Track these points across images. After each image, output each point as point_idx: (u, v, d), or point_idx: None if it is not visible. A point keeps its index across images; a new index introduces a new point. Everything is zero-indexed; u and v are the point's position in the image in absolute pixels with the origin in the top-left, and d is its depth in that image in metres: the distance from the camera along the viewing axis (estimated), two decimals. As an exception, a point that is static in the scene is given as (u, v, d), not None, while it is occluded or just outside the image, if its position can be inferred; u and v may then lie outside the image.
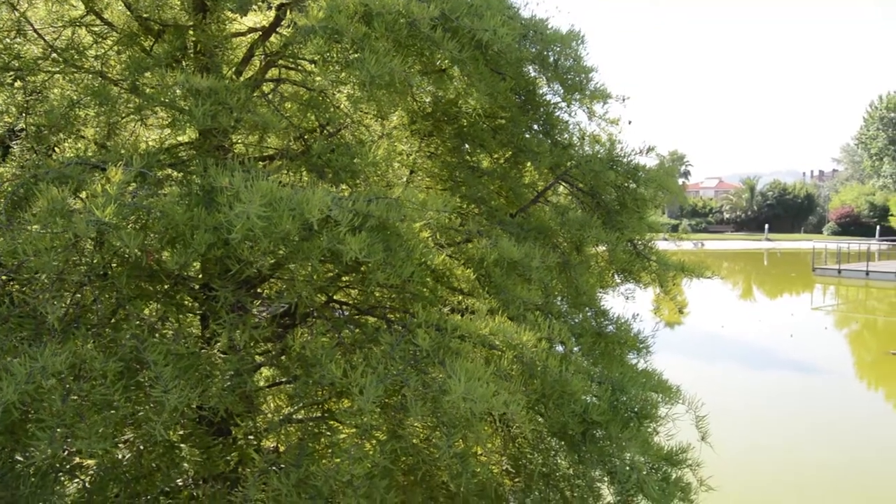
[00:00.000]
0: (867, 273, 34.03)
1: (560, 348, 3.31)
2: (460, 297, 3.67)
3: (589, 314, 3.81)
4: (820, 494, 8.24)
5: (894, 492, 8.28)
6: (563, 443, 3.51)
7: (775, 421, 11.31)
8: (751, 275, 41.27)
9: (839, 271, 35.13)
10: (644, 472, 3.20)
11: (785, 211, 78.13)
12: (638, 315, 3.89)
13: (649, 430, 3.27)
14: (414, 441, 3.59)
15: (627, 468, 3.17)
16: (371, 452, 2.70)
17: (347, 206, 2.54)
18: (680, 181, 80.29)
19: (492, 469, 3.79)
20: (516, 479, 3.85)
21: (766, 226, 70.89)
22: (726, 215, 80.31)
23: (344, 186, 3.30)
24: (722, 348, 17.78)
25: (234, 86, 3.07)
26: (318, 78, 3.23)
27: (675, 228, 70.70)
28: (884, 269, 34.09)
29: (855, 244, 41.63)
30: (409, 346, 2.67)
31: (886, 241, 48.91)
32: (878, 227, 61.41)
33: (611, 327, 3.74)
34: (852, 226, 69.05)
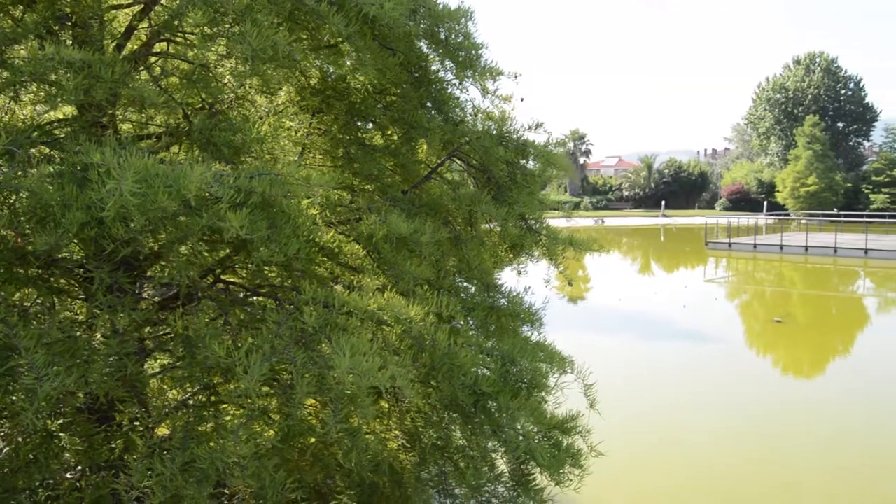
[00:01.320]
0: (755, 246, 35.86)
1: (458, 323, 3.35)
2: (353, 275, 3.66)
3: (482, 288, 3.86)
4: (719, 458, 8.66)
5: (788, 451, 8.78)
6: (455, 415, 3.56)
7: (671, 390, 11.80)
8: (648, 250, 42.78)
9: (730, 245, 36.87)
10: (536, 440, 3.29)
11: (680, 188, 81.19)
12: (530, 288, 3.98)
13: (539, 399, 3.35)
14: (312, 421, 3.57)
15: (519, 437, 3.25)
16: (259, 432, 2.67)
17: (229, 183, 2.48)
18: (581, 160, 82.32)
19: (388, 445, 3.81)
20: (411, 454, 3.88)
21: (663, 202, 73.55)
22: (626, 192, 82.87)
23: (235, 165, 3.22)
24: (619, 321, 18.39)
25: (109, 59, 2.94)
26: (199, 51, 3.13)
27: (577, 206, 72.60)
28: (769, 242, 36.01)
29: (744, 219, 43.82)
30: (298, 324, 2.64)
31: (772, 215, 51.64)
32: (765, 203, 64.79)
33: (503, 301, 3.81)
34: (742, 201, 72.50)
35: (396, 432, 3.98)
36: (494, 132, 3.88)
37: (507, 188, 3.87)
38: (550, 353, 3.67)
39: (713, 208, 73.93)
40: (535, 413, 3.31)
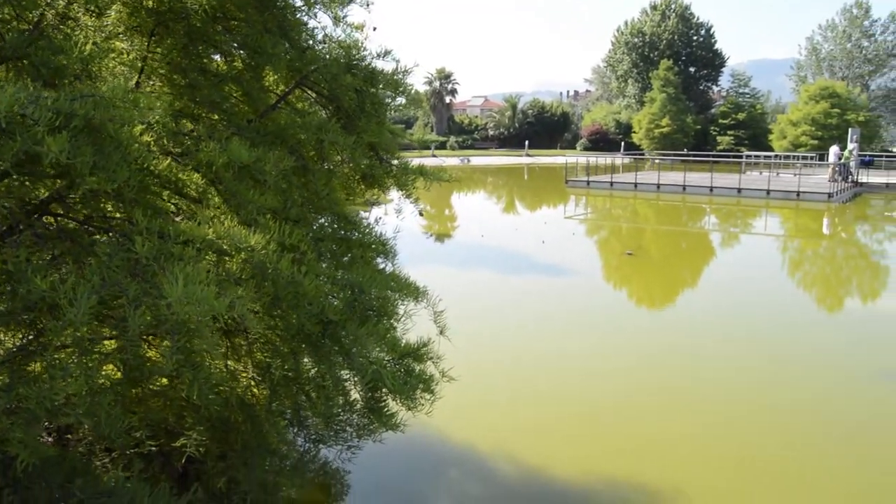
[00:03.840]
0: (612, 184, 37.47)
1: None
2: (197, 206, 3.53)
3: (333, 219, 3.83)
4: (578, 382, 9.11)
5: (643, 372, 9.37)
6: (304, 345, 3.55)
7: (529, 318, 12.27)
8: (512, 188, 43.81)
9: (588, 183, 38.31)
10: (387, 367, 3.33)
11: (544, 128, 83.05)
12: (380, 219, 3.98)
13: (388, 326, 3.39)
14: (159, 359, 3.45)
15: (370, 363, 3.28)
16: (93, 368, 2.55)
17: (46, 105, 2.30)
18: (447, 99, 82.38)
19: (240, 379, 3.75)
20: (262, 387, 3.85)
21: (527, 142, 75.10)
22: (491, 132, 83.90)
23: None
24: (481, 256, 18.85)
25: None
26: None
27: (442, 145, 73.00)
28: (624, 181, 37.73)
29: (602, 158, 45.65)
30: (131, 255, 2.53)
31: (629, 155, 54.01)
32: (622, 143, 67.56)
33: (355, 232, 3.79)
34: (601, 142, 75.26)
35: (248, 365, 3.92)
36: (343, 60, 3.80)
37: (356, 117, 3.81)
38: (402, 283, 3.71)
39: (574, 148, 76.23)
40: (386, 340, 3.35)
